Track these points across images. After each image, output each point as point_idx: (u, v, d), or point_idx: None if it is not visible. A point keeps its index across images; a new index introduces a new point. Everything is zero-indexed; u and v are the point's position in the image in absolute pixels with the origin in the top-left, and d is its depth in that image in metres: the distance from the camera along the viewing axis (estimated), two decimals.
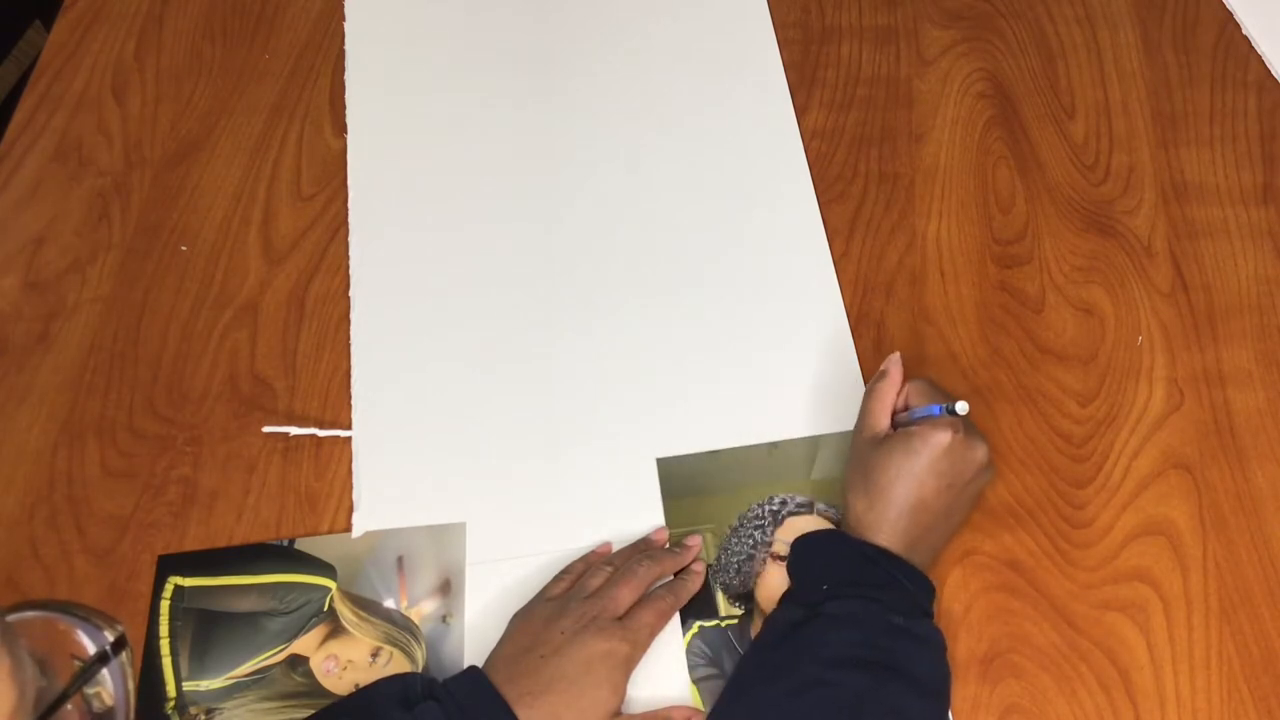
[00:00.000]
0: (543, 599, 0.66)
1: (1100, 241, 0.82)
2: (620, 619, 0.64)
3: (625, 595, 0.65)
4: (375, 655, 0.66)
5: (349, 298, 0.81)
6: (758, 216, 0.85)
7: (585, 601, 0.64)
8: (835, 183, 0.87)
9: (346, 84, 0.94)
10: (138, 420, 0.77)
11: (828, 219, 0.84)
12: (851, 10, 0.97)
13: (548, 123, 0.91)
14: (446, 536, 0.71)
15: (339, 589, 0.69)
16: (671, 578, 0.68)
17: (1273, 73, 0.90)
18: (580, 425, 0.75)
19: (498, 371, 0.78)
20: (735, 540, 0.70)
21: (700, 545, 0.70)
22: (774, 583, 0.68)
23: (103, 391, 0.78)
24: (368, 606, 0.68)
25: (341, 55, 0.96)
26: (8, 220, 0.87)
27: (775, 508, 0.71)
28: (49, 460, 0.75)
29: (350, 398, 0.77)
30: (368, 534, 0.71)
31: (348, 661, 0.66)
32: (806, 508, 0.71)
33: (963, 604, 0.67)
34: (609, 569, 0.67)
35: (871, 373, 0.73)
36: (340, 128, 0.92)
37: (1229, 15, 0.94)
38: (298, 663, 0.66)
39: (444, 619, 0.68)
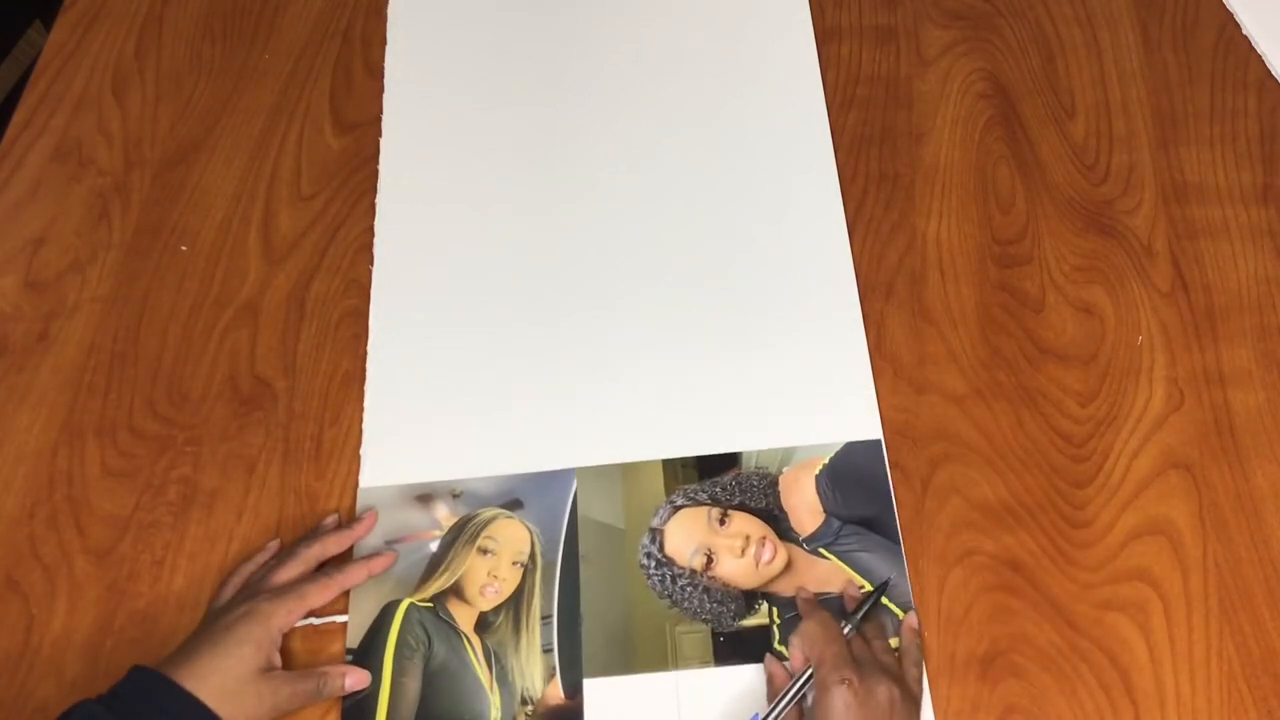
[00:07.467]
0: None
1: (1100, 241, 0.82)
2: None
3: (283, 574, 0.66)
4: None
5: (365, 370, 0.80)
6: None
7: (246, 589, 0.67)
8: None
9: (386, 70, 0.95)
10: (138, 420, 0.77)
11: None
12: (851, 10, 0.97)
13: (572, 134, 0.91)
14: None
15: None
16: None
17: (1273, 73, 0.90)
18: None
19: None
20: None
21: (373, 520, 0.71)
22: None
23: (103, 391, 0.78)
24: None
25: (341, 56, 0.96)
26: (8, 220, 0.87)
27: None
28: (49, 460, 0.75)
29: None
30: None
31: None
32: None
33: (963, 604, 0.67)
34: (273, 562, 0.68)
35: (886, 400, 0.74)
36: (340, 128, 0.92)
37: (1229, 15, 0.94)
38: None
39: None
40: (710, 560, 0.70)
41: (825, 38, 0.95)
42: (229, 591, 0.67)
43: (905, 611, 0.67)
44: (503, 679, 0.66)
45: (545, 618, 0.68)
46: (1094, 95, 0.90)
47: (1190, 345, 0.77)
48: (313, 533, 0.71)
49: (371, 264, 0.84)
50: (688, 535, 0.70)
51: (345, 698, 0.65)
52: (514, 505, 0.72)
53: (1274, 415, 0.73)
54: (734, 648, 0.67)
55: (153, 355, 0.80)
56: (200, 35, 0.99)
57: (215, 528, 0.72)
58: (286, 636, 0.66)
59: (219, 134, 0.92)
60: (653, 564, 0.70)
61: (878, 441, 0.73)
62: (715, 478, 0.73)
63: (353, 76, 0.95)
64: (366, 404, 0.77)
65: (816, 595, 0.68)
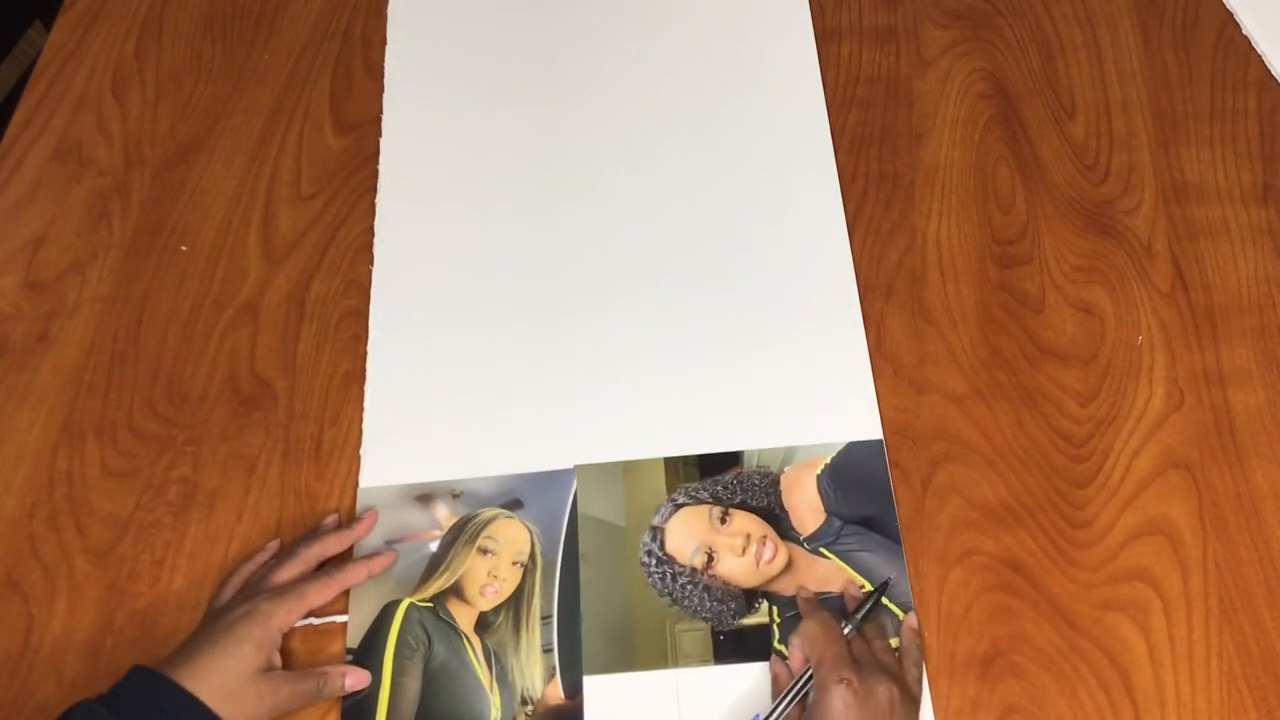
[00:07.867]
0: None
1: (1100, 241, 0.82)
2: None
3: (283, 574, 0.66)
4: None
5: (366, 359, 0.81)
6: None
7: (246, 589, 0.67)
8: None
9: (386, 70, 0.95)
10: (138, 420, 0.77)
11: None
12: (851, 10, 0.97)
13: (571, 128, 0.91)
14: None
15: None
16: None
17: (1273, 73, 0.90)
18: None
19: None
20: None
21: (373, 520, 0.71)
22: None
23: (103, 391, 0.78)
24: None
25: (341, 56, 0.96)
26: (8, 220, 0.87)
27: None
28: (49, 460, 0.75)
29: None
30: None
31: None
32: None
33: (963, 604, 0.67)
34: (274, 562, 0.68)
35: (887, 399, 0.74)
36: (340, 128, 0.92)
37: (1229, 15, 0.94)
38: None
39: None
40: (711, 559, 0.70)
41: (825, 38, 0.95)
42: (229, 591, 0.67)
43: (905, 611, 0.67)
44: (503, 679, 0.66)
45: (545, 618, 0.68)
46: (1094, 95, 0.90)
47: (1190, 345, 0.77)
48: (313, 533, 0.71)
49: (371, 264, 0.84)
50: (689, 533, 0.70)
51: (345, 698, 0.65)
52: (514, 505, 0.72)
53: (1274, 415, 0.73)
54: (734, 646, 0.67)
55: (153, 355, 0.80)
56: (200, 35, 0.99)
57: (215, 528, 0.72)
58: (286, 636, 0.66)
59: (219, 134, 0.92)
60: (654, 562, 0.70)
61: (879, 441, 0.73)
62: (717, 476, 0.73)
63: (353, 76, 0.95)
64: (366, 404, 0.77)
65: (817, 595, 0.68)
